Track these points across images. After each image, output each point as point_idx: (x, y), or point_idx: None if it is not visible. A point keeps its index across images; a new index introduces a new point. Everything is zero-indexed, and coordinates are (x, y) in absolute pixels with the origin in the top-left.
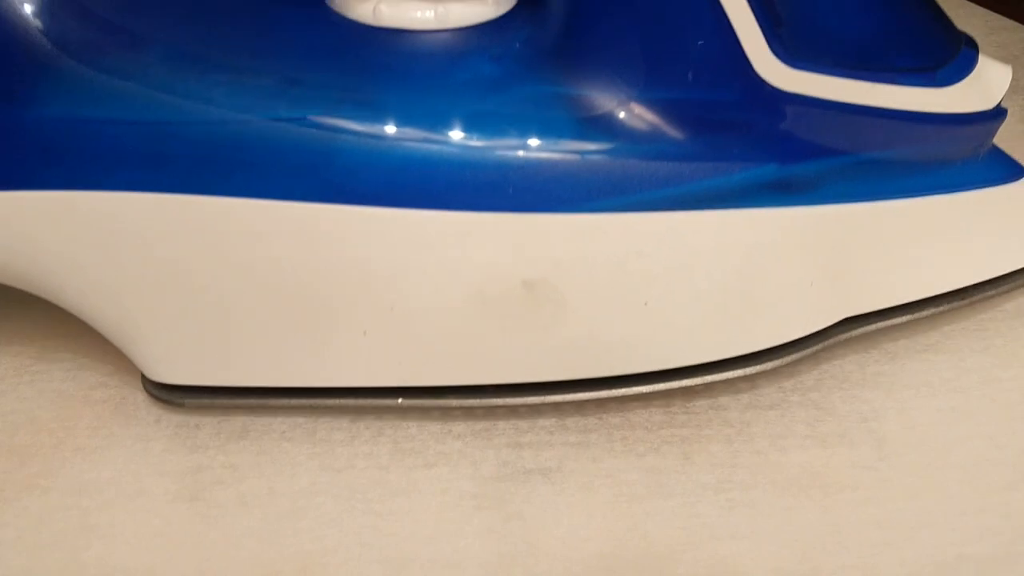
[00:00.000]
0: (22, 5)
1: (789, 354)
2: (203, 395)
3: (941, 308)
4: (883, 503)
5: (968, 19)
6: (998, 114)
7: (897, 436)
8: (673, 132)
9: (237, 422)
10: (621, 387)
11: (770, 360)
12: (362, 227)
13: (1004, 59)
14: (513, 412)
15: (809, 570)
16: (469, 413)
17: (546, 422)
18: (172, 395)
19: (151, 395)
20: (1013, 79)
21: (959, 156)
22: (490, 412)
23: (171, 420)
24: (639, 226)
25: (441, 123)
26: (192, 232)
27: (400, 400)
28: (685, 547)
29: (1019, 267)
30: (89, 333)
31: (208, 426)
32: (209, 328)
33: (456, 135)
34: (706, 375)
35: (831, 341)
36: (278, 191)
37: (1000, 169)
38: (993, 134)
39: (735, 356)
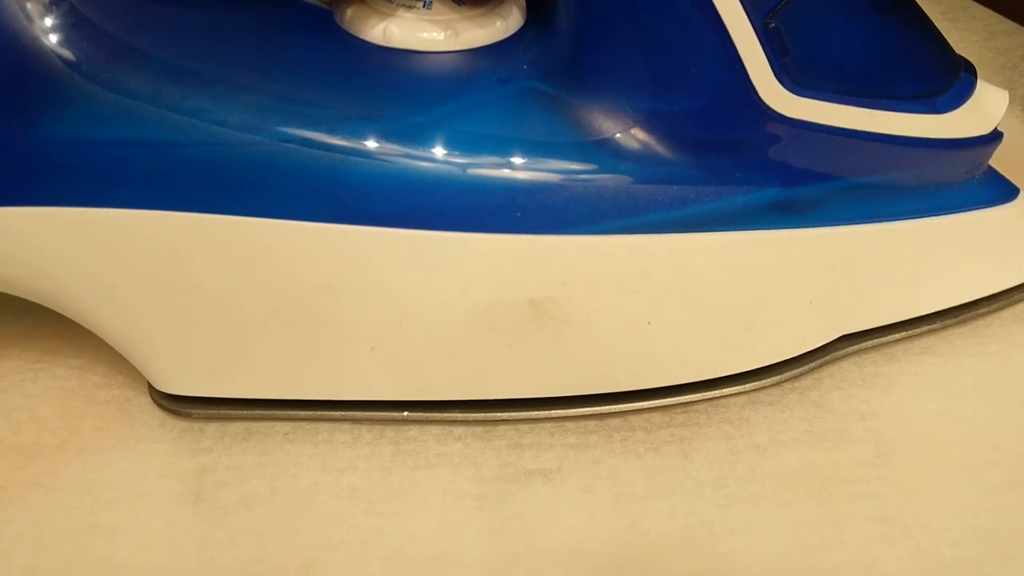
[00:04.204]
0: (36, 25)
1: (787, 370)
2: (211, 406)
3: (935, 325)
4: (881, 499)
5: (968, 22)
6: (994, 138)
7: (895, 435)
8: (678, 156)
9: (240, 425)
10: (621, 402)
11: (768, 376)
12: (369, 247)
13: (1003, 66)
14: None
15: (807, 565)
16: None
17: (546, 423)
18: (180, 405)
19: (159, 405)
20: (1014, 87)
21: (956, 178)
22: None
23: (175, 423)
24: (643, 248)
25: (449, 145)
26: (203, 250)
27: (406, 413)
28: (684, 544)
29: (1012, 285)
30: (92, 332)
31: (212, 428)
32: (218, 342)
33: (464, 157)
34: (705, 391)
35: (828, 357)
36: (288, 211)
37: (995, 190)
38: (989, 157)
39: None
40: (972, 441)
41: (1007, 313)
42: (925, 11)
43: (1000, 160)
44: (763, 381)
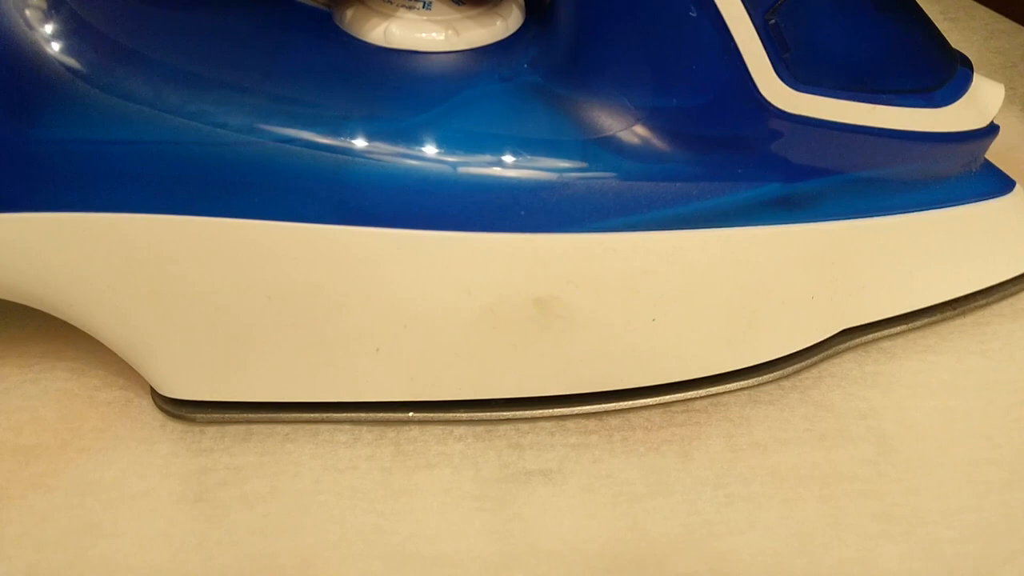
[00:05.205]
0: (35, 28)
1: (789, 365)
2: (215, 410)
3: (935, 318)
4: (882, 496)
5: (968, 22)
6: (991, 131)
7: (895, 434)
8: (680, 153)
9: (241, 425)
10: (625, 399)
11: (771, 371)
12: (374, 248)
13: (1003, 65)
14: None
15: (808, 563)
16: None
17: (547, 423)
18: (184, 410)
19: (163, 410)
20: (1013, 87)
21: (953, 172)
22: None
23: (176, 424)
24: (646, 245)
25: (452, 145)
26: (206, 253)
27: (411, 414)
28: (685, 544)
29: (1009, 277)
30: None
31: (212, 429)
32: (222, 345)
33: (467, 157)
34: (707, 387)
35: (830, 351)
36: (291, 213)
37: (992, 183)
38: (985, 150)
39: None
40: (973, 439)
41: (1008, 310)
42: (922, 8)
43: (1002, 160)
44: (764, 377)
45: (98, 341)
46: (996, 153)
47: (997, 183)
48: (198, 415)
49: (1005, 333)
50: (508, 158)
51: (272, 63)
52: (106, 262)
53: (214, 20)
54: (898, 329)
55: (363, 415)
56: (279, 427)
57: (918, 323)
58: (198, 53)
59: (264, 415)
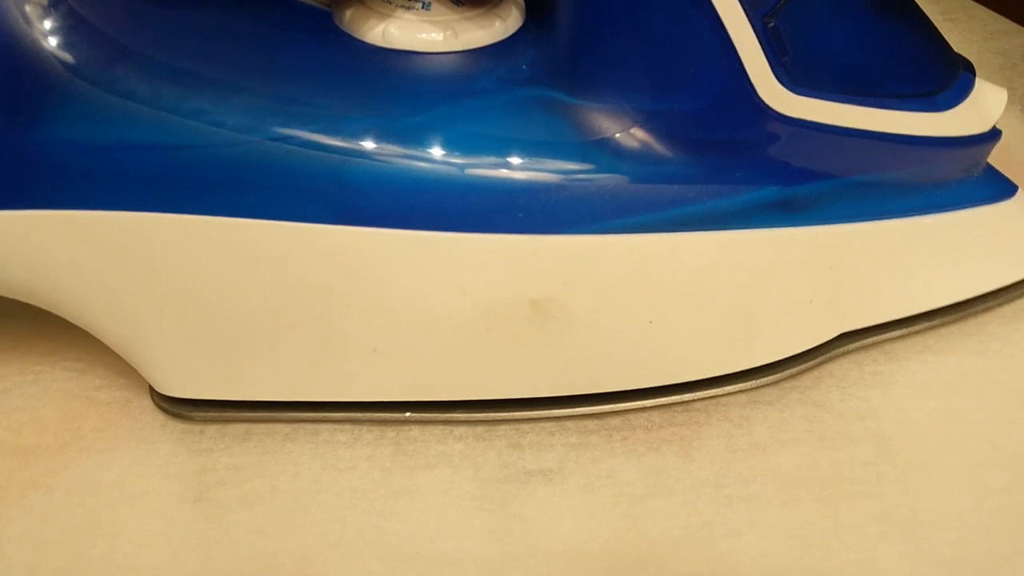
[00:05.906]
0: (35, 27)
1: (787, 368)
2: (212, 408)
3: (934, 322)
4: (881, 498)
5: (968, 23)
6: (993, 135)
7: (895, 435)
8: (678, 155)
9: (241, 425)
10: (624, 400)
11: (768, 375)
12: (372, 248)
13: (1003, 66)
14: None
15: (807, 565)
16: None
17: (546, 423)
18: (182, 408)
19: (162, 408)
20: (1013, 88)
21: (955, 176)
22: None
23: (176, 423)
24: (645, 247)
25: (450, 145)
26: (205, 252)
27: (408, 414)
28: (684, 545)
29: (1010, 282)
30: (93, 335)
31: (212, 429)
32: (220, 344)
33: (465, 157)
34: (705, 390)
35: (828, 355)
36: (290, 212)
37: (993, 188)
38: (987, 154)
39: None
40: (972, 440)
41: (1007, 311)
42: (924, 11)
43: (1001, 160)
44: (763, 379)
45: (98, 341)
46: (996, 154)
47: (999, 188)
48: (197, 414)
49: (1005, 334)
50: (506, 159)
51: (271, 63)
52: (106, 260)
53: (213, 19)
54: (897, 333)
55: (361, 414)
56: (279, 427)
57: (917, 327)
58: (198, 52)
59: (263, 414)
